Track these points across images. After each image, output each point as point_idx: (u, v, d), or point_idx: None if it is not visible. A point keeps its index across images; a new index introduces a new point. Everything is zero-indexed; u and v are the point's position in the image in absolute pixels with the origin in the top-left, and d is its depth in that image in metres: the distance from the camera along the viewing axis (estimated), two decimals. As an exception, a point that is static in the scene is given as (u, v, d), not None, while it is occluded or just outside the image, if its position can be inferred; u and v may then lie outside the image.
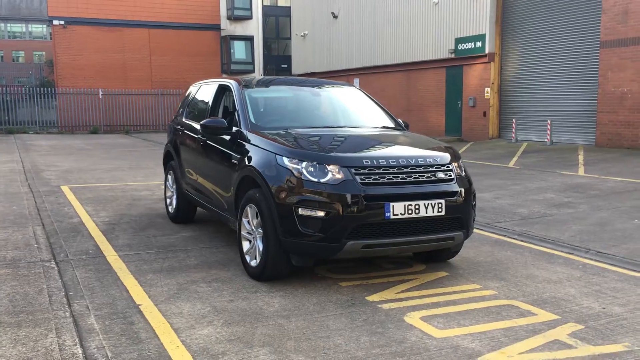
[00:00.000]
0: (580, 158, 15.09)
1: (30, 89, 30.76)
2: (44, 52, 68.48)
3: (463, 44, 21.47)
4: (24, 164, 14.65)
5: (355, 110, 6.67)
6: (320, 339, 4.03)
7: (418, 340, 4.02)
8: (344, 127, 6.13)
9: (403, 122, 6.66)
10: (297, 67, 33.59)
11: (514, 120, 19.91)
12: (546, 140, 18.65)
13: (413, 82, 24.43)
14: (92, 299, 4.79)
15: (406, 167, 4.99)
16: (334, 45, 29.50)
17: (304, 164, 4.92)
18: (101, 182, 11.61)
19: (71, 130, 29.39)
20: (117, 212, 8.43)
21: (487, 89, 20.82)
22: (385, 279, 5.41)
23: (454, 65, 22.15)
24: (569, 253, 6.37)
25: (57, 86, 30.89)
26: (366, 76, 27.13)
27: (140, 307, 4.62)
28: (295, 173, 4.91)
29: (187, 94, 8.06)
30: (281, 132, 5.68)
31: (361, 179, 4.82)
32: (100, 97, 30.05)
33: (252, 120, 5.90)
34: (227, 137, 6.02)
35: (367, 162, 4.91)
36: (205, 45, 34.64)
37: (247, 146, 5.61)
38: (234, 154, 5.77)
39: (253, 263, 5.33)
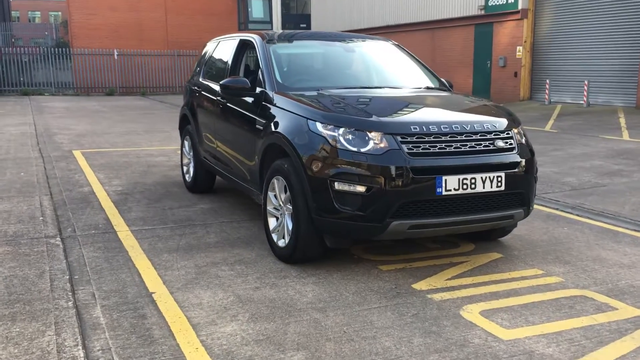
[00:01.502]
0: (622, 121, 14.18)
1: (46, 49, 30.08)
2: (59, 13, 67.68)
3: (494, 0, 20.34)
4: (36, 127, 14.10)
5: (394, 68, 5.92)
6: (365, 341, 3.39)
7: (482, 344, 3.37)
8: (383, 87, 5.40)
9: (447, 81, 5.91)
10: (317, 26, 32.52)
11: (547, 81, 18.91)
12: (582, 102, 17.69)
13: (438, 41, 23.37)
14: (99, 285, 4.20)
15: (460, 134, 4.27)
16: (355, 4, 28.37)
17: (341, 130, 4.22)
18: (115, 146, 11.01)
19: (87, 92, 28.80)
20: (131, 180, 7.82)
21: (519, 48, 19.77)
22: (430, 261, 4.75)
23: (484, 23, 21.06)
24: (635, 230, 5.65)
25: (71, 46, 30.21)
26: (388, 35, 26.04)
27: (153, 295, 4.02)
28: (331, 141, 4.21)
29: (204, 51, 7.33)
30: (312, 93, 4.96)
31: (408, 149, 4.12)
32: (116, 57, 29.34)
33: (279, 79, 5.18)
34: (250, 99, 5.32)
35: (416, 129, 4.19)
36: (222, 3, 33.63)
37: (273, 109, 4.92)
38: (258, 119, 5.08)
39: (281, 243, 4.69)
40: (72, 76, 29.56)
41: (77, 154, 10.05)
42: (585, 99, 17.50)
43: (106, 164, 9.08)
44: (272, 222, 4.88)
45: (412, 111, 4.72)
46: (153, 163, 9.18)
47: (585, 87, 17.47)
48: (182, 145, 7.39)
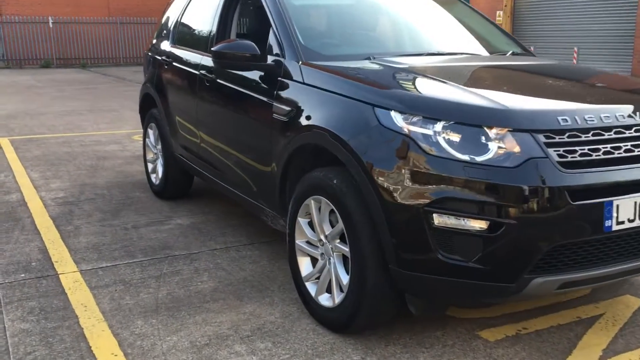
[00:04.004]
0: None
1: (-30, 17, 26.93)
2: (-14, -21, 62.71)
3: (471, -40, 18.76)
4: (-45, 108, 11.79)
5: (463, 27, 4.19)
6: None
7: None
8: (459, 53, 3.69)
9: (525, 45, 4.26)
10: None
11: (531, 48, 17.48)
12: (570, 70, 16.40)
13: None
14: (31, 401, 2.41)
15: (629, 127, 2.62)
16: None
17: (439, 125, 2.52)
18: (53, 131, 8.95)
19: (19, 65, 25.94)
20: (76, 181, 5.91)
21: (499, 13, 18.30)
22: (550, 318, 3.14)
23: (459, -15, 19.46)
24: None
25: (0, 13, 27.18)
26: None
27: None
28: (422, 144, 2.50)
29: (171, 8, 5.43)
30: (361, 62, 3.23)
31: (559, 155, 2.45)
32: (51, 26, 26.50)
33: (303, 42, 3.40)
34: (258, 74, 3.53)
35: (566, 121, 2.51)
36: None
37: (301, 89, 3.17)
38: (275, 104, 3.30)
39: (325, 301, 2.99)
40: (1, 47, 26.60)
41: (4, 142, 7.98)
42: (574, 67, 16.22)
43: (42, 156, 7.09)
44: (305, 265, 3.16)
45: (542, 92, 3.04)
46: (103, 154, 7.24)
47: (575, 55, 16.18)
48: (146, 134, 5.51)
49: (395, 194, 2.53)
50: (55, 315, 3.15)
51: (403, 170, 2.52)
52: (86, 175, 6.14)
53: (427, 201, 2.46)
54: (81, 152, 7.32)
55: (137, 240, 4.26)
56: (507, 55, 3.85)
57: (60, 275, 3.65)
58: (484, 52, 3.82)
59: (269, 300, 3.34)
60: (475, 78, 3.17)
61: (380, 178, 2.57)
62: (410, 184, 2.50)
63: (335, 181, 2.81)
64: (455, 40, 3.94)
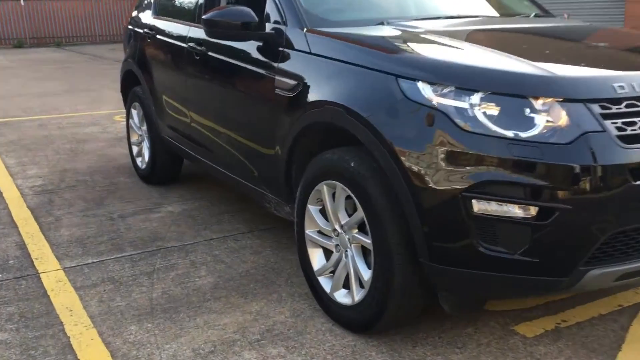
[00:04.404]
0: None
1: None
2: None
3: None
4: None
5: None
6: None
7: None
8: (479, 16, 3.33)
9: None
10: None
11: (565, 15, 17.12)
12: (560, 38, 16.09)
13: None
14: None
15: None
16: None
17: (475, 96, 2.17)
18: (29, 113, 8.46)
19: (-9, 45, 25.09)
20: (56, 167, 5.49)
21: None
22: (591, 309, 2.85)
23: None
24: None
25: (-32, -8, 26.16)
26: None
27: None
28: (457, 119, 2.16)
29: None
30: (375, 29, 2.86)
31: (617, 128, 2.11)
32: (22, 3, 25.59)
33: (305, 7, 3.01)
34: (255, 45, 3.15)
35: (623, 89, 2.17)
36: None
37: (307, 60, 2.81)
38: (277, 77, 2.93)
39: (343, 298, 2.67)
40: (-29, 27, 25.65)
41: (-23, 127, 7.50)
42: (563, 34, 15.91)
43: (18, 141, 6.64)
44: (316, 257, 2.83)
45: (587, 57, 2.70)
46: (83, 136, 6.81)
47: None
48: (129, 115, 5.10)
49: (427, 178, 2.19)
50: (37, 323, 2.79)
51: (435, 151, 2.18)
52: (66, 160, 5.72)
53: (464, 186, 2.13)
54: (59, 135, 6.88)
55: (125, 232, 3.89)
56: (531, 17, 3.49)
57: (41, 275, 3.28)
58: (505, 15, 3.46)
59: (276, 297, 3.01)
60: (508, 42, 2.81)
61: (408, 160, 2.23)
62: (445, 166, 2.16)
63: (352, 164, 2.47)
64: (472, 2, 3.56)
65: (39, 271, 3.33)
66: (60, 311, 2.89)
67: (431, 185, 2.19)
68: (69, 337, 2.66)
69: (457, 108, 2.18)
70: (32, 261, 3.46)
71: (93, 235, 3.83)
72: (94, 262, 3.44)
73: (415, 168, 2.22)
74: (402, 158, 2.24)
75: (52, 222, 4.08)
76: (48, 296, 3.04)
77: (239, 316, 2.82)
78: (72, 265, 3.39)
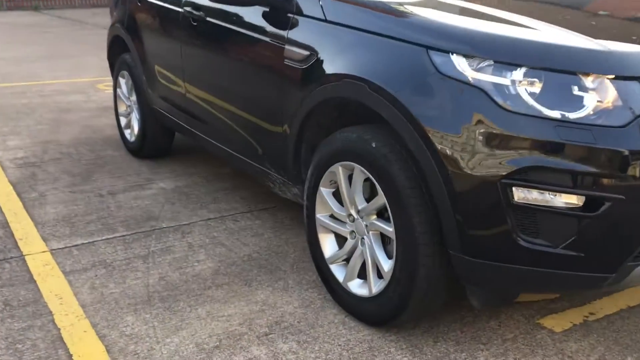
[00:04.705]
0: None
1: None
2: None
3: None
4: None
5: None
6: None
7: None
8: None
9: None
10: None
11: None
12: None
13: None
14: None
15: None
16: None
17: (518, 72, 1.95)
18: (8, 80, 8.07)
19: (-34, 7, 24.21)
20: (38, 138, 5.20)
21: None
22: (619, 300, 2.68)
23: None
24: None
25: (-59, -49, 25.11)
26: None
27: None
28: (497, 97, 1.94)
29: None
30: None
31: (675, 111, 1.91)
32: (-2, -35, 24.66)
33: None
34: (261, 10, 2.88)
35: (680, 65, 1.97)
36: None
37: (321, 28, 2.57)
38: (288, 47, 2.68)
39: (358, 289, 2.47)
40: (-55, -12, 24.70)
41: (-48, 94, 7.13)
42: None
43: (-4, 109, 6.31)
44: (328, 244, 2.62)
45: (635, 29, 2.48)
46: (66, 105, 6.48)
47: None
48: (116, 84, 4.81)
49: (461, 163, 1.98)
50: (24, 312, 2.56)
51: (471, 132, 1.96)
52: (48, 131, 5.42)
53: (505, 171, 1.92)
54: (41, 104, 6.54)
55: (116, 210, 3.65)
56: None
57: (26, 257, 3.04)
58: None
59: (282, 284, 2.80)
60: (552, 12, 2.59)
61: (441, 142, 2.01)
62: (482, 149, 1.95)
63: (374, 144, 2.24)
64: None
65: (24, 253, 3.08)
66: (49, 299, 2.66)
67: (467, 170, 1.98)
68: (59, 329, 2.44)
69: (496, 84, 1.96)
70: (16, 242, 3.21)
71: (81, 214, 3.58)
72: (83, 244, 3.20)
73: (448, 151, 2.00)
74: (434, 140, 2.02)
75: (36, 198, 3.82)
76: (35, 282, 2.80)
77: (244, 306, 2.61)
78: (60, 247, 3.15)
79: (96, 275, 2.86)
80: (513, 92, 1.94)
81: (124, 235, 3.30)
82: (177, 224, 3.45)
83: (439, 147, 2.01)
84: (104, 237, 3.27)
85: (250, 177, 4.01)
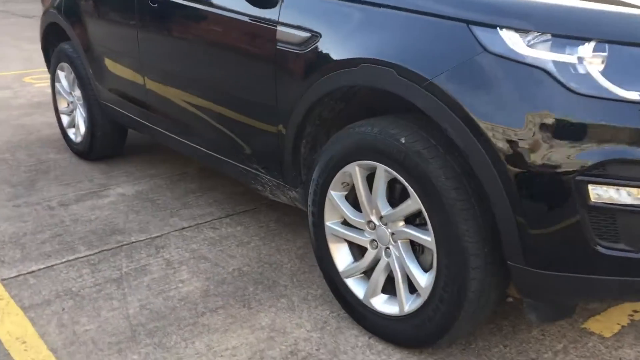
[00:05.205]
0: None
1: None
2: None
3: None
4: None
5: None
6: None
7: None
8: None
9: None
10: None
11: None
12: None
13: None
14: None
15: None
16: None
17: (587, 47, 1.63)
18: None
19: None
20: (-36, 143, 4.57)
21: None
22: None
23: None
24: None
25: None
26: None
27: None
28: (561, 78, 1.62)
29: None
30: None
31: None
32: None
33: None
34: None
35: None
36: None
37: (324, 3, 2.18)
38: (281, 29, 2.27)
39: (385, 306, 2.13)
40: None
41: None
42: None
43: None
44: (341, 254, 2.27)
45: None
46: (-9, 104, 5.81)
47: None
48: (54, 78, 4.25)
49: (524, 158, 1.66)
50: (-20, 366, 2.09)
51: (535, 120, 1.64)
52: (-24, 134, 4.79)
53: (579, 167, 1.62)
54: (-38, 103, 5.83)
55: (72, 224, 3.16)
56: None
57: (-28, 292, 2.54)
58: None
59: (286, 303, 2.43)
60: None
61: (495, 135, 1.69)
62: (548, 141, 1.63)
63: (403, 139, 1.89)
64: None
65: (-32, 287, 2.57)
66: (10, 344, 2.19)
67: (530, 167, 1.66)
68: (28, 386, 1.98)
69: (559, 63, 1.64)
70: (-43, 273, 2.69)
71: (31, 232, 3.08)
72: (40, 269, 2.71)
73: (505, 145, 1.68)
74: (488, 132, 1.70)
75: (-27, 215, 3.28)
76: (-14, 328, 2.32)
77: (249, 334, 2.23)
78: (12, 276, 2.66)
79: (63, 309, 2.40)
80: (582, 71, 1.63)
81: (87, 256, 2.83)
82: (147, 236, 3.01)
83: (494, 141, 1.69)
84: (64, 260, 2.79)
85: (220, 176, 3.60)
